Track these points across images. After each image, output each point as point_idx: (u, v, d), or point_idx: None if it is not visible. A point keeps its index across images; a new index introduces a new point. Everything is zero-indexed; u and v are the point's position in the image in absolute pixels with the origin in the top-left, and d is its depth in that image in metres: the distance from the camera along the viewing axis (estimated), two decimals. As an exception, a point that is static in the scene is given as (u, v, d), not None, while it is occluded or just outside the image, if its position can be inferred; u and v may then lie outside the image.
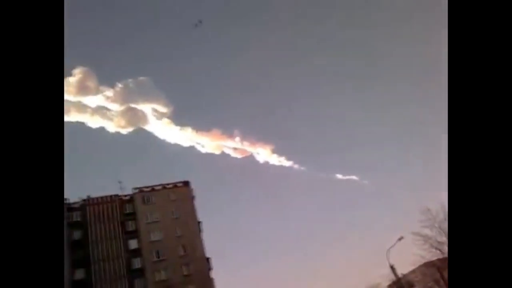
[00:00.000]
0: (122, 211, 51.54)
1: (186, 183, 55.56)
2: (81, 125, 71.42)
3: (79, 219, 49.84)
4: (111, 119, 72.22)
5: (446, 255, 29.77)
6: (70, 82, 68.76)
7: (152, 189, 54.00)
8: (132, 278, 47.45)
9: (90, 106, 70.80)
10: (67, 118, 68.70)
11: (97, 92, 71.12)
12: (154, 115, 74.43)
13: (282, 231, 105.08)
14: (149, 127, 75.46)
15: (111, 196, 52.46)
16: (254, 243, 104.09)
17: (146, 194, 53.27)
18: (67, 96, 68.67)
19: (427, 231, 31.66)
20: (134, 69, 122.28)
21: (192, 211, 53.28)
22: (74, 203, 51.20)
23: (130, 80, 75.00)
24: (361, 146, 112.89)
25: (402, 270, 37.68)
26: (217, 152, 77.48)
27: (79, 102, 70.03)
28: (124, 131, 73.69)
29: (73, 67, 70.73)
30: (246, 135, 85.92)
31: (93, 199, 51.72)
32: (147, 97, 73.94)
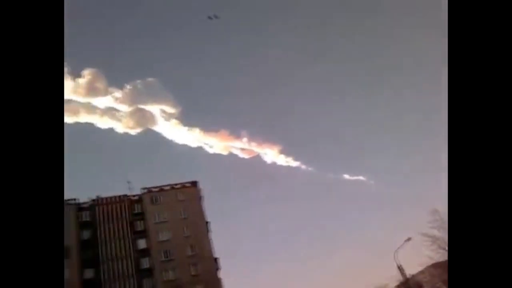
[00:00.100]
0: (131, 211, 51.87)
1: (194, 183, 55.71)
2: (90, 126, 72.03)
3: (88, 219, 50.32)
4: (120, 120, 72.73)
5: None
6: (80, 83, 69.47)
7: (161, 189, 54.24)
8: (140, 278, 47.76)
9: (99, 107, 71.37)
10: (76, 119, 69.46)
11: (106, 93, 71.64)
12: (163, 116, 74.77)
13: (289, 231, 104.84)
14: (157, 127, 75.80)
15: (120, 196, 52.83)
16: (261, 243, 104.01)
17: (154, 194, 53.54)
18: (76, 97, 69.42)
19: (435, 232, 31.42)
20: (143, 70, 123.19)
21: (200, 211, 53.41)
22: (83, 203, 51.74)
23: (138, 81, 75.37)
24: (369, 147, 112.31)
25: (410, 271, 37.44)
26: (225, 152, 77.55)
27: (89, 103, 70.65)
28: (132, 132, 74.14)
29: (83, 69, 71.42)
30: (254, 136, 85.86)
31: (102, 199, 52.14)
32: (156, 98, 74.29)
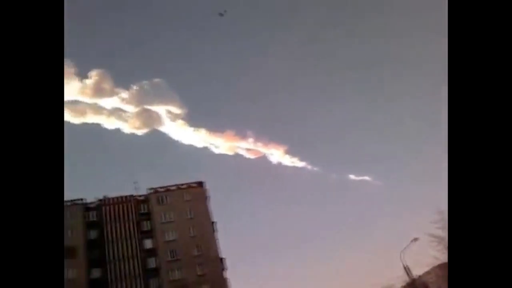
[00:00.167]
0: (137, 211, 52.08)
1: (200, 184, 55.82)
2: (97, 126, 72.56)
3: (95, 219, 50.65)
4: (126, 121, 73.17)
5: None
6: (87, 84, 70.00)
7: (167, 189, 54.40)
8: (147, 278, 47.95)
9: (106, 107, 71.86)
10: (83, 119, 70.01)
11: (112, 94, 72.12)
12: (169, 117, 75.07)
13: (294, 231, 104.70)
14: (163, 128, 76.13)
15: (126, 196, 53.06)
16: (267, 243, 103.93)
17: (161, 194, 53.73)
18: (83, 98, 69.97)
19: (441, 232, 31.20)
20: (149, 71, 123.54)
21: (206, 211, 53.51)
22: (90, 203, 52.07)
23: (145, 82, 75.79)
24: (375, 147, 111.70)
25: (416, 272, 37.21)
26: (231, 153, 77.69)
27: (95, 104, 71.18)
28: (139, 132, 74.54)
29: (90, 70, 71.94)
30: (260, 136, 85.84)
31: (109, 199, 52.41)
32: (162, 99, 74.64)
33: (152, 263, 48.98)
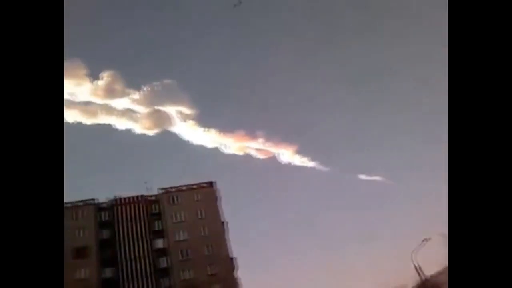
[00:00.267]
0: (148, 211, 52.48)
1: (210, 184, 56.02)
2: (108, 127, 73.26)
3: (107, 219, 51.23)
4: (137, 121, 73.72)
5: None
6: (99, 85, 70.75)
7: (178, 189, 54.72)
8: (158, 277, 48.32)
9: (117, 108, 72.51)
10: (95, 120, 70.76)
11: (124, 95, 72.78)
12: (179, 117, 75.46)
13: (305, 231, 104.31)
14: (174, 128, 76.47)
15: (138, 196, 53.49)
16: (277, 243, 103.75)
17: (172, 194, 54.06)
18: (95, 99, 70.77)
19: (453, 232, 30.84)
20: (160, 72, 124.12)
21: (216, 211, 53.69)
22: (102, 203, 52.67)
23: (155, 83, 76.32)
24: (386, 147, 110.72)
25: (428, 272, 36.90)
26: (241, 153, 77.73)
27: (107, 104, 71.88)
28: (150, 133, 74.99)
29: (101, 71, 72.72)
30: (269, 136, 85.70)
31: (121, 199, 52.84)
32: (173, 100, 75.10)
33: (163, 262, 49.31)
